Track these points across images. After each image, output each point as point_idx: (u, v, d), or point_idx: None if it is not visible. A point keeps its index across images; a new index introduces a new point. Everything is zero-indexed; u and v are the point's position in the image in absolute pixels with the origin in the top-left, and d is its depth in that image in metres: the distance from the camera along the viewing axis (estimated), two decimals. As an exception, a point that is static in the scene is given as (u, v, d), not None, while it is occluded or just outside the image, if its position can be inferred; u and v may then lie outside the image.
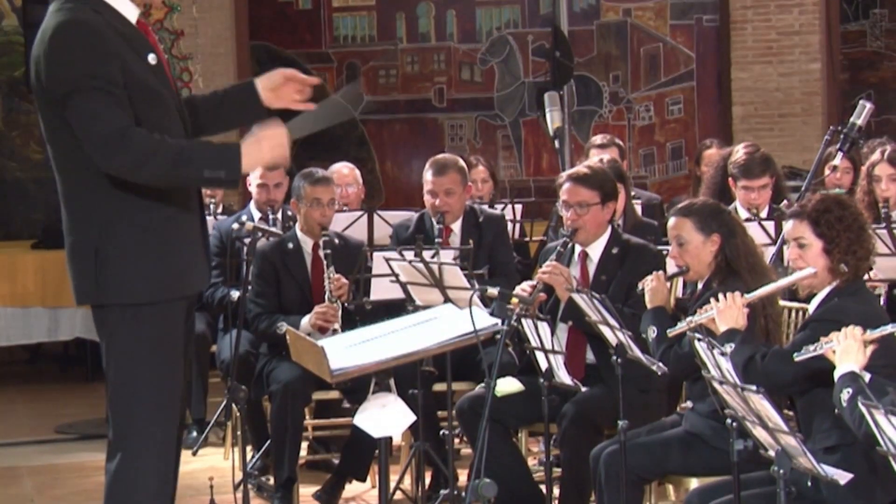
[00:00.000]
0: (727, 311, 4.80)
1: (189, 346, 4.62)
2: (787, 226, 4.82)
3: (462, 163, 7.11)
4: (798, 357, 4.38)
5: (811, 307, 4.78)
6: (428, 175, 6.96)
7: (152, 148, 4.26)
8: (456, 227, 6.99)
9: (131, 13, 4.43)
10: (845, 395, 4.11)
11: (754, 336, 4.88)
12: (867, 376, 4.16)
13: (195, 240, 4.53)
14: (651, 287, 5.30)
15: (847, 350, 4.20)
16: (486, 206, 7.47)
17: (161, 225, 4.40)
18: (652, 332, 5.20)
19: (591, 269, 6.04)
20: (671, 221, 5.37)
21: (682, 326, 4.99)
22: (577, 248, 6.07)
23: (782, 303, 5.32)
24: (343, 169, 8.34)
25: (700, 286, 5.33)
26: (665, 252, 6.14)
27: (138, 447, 4.41)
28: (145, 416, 4.41)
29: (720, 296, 4.85)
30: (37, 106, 4.45)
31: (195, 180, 4.42)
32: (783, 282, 4.90)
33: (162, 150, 4.27)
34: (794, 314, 5.40)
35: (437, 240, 6.81)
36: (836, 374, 4.17)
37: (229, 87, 4.76)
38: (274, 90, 4.61)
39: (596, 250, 6.05)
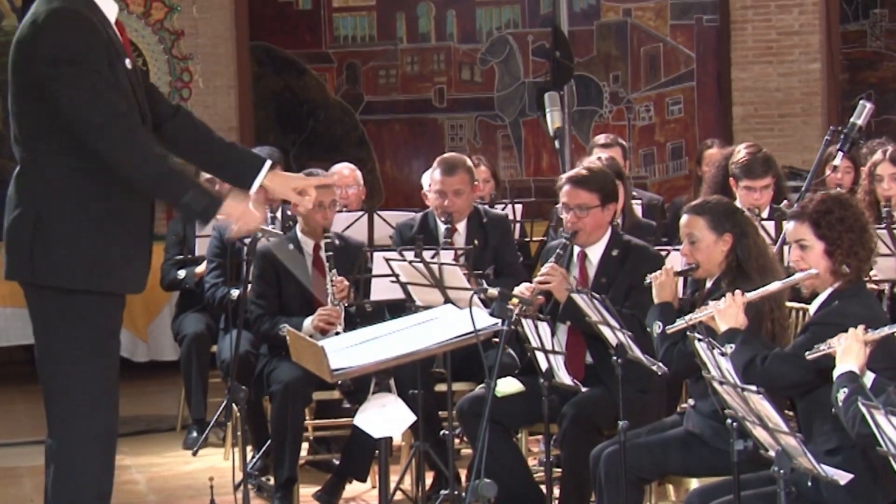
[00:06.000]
0: (727, 311, 4.79)
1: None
2: (788, 227, 4.79)
3: (470, 162, 7.11)
4: (810, 355, 4.38)
5: (812, 308, 4.77)
6: (436, 174, 6.93)
7: (153, 149, 4.28)
8: (461, 227, 6.98)
9: (111, 12, 4.44)
10: (841, 395, 4.10)
11: (759, 338, 4.87)
12: (871, 376, 4.16)
13: (139, 240, 4.48)
14: (659, 282, 5.28)
15: (847, 350, 4.19)
16: (489, 207, 7.47)
17: (106, 214, 4.36)
18: (657, 328, 5.18)
19: (591, 271, 6.02)
20: (684, 219, 5.35)
21: (680, 324, 4.98)
22: (577, 249, 6.06)
23: (788, 304, 5.30)
24: (344, 170, 8.33)
25: (709, 284, 5.31)
26: (666, 252, 6.15)
27: (78, 449, 4.33)
28: (84, 416, 4.34)
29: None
30: (11, 82, 4.37)
31: (173, 196, 4.40)
32: (784, 282, 4.88)
33: (161, 156, 4.30)
34: (798, 315, 5.39)
35: (444, 239, 6.80)
36: (836, 374, 4.17)
37: (241, 152, 4.72)
38: (288, 180, 4.60)
39: (596, 252, 6.03)
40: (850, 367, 4.15)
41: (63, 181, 4.34)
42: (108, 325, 4.43)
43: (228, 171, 4.68)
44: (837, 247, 4.63)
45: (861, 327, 4.24)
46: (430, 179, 7.02)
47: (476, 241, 6.86)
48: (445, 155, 7.17)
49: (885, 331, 4.24)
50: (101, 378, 4.39)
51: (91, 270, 4.34)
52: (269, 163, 4.59)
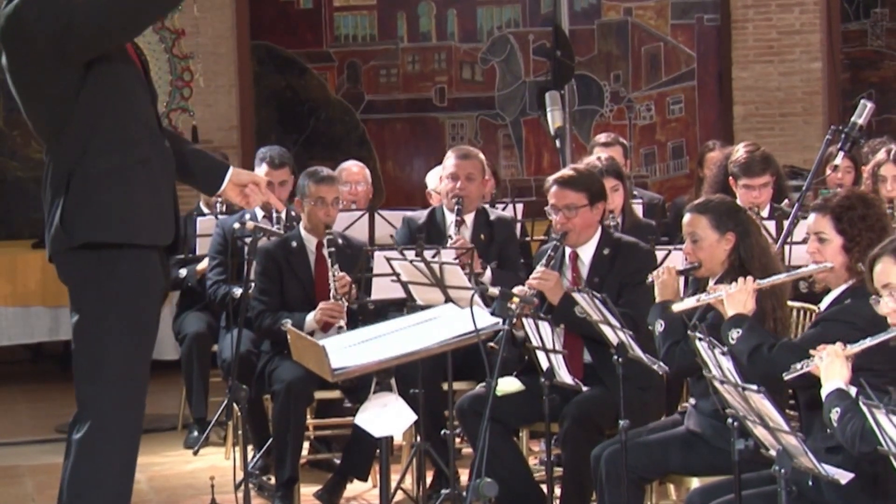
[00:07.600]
0: (737, 295, 4.79)
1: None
2: (809, 219, 4.80)
3: (483, 156, 7.14)
4: (787, 376, 4.37)
5: (823, 303, 4.76)
6: (450, 160, 6.98)
7: None
8: (469, 220, 7.01)
9: None
10: (835, 414, 4.10)
11: (763, 326, 4.86)
12: (853, 391, 4.14)
13: (164, 192, 4.49)
14: (661, 280, 5.28)
15: (830, 367, 4.18)
16: (496, 208, 7.49)
17: (128, 168, 4.36)
18: (659, 327, 5.18)
19: (584, 271, 6.01)
20: (686, 217, 5.35)
21: (689, 303, 4.98)
22: (568, 250, 6.05)
23: (790, 303, 5.30)
24: (353, 167, 8.36)
25: (711, 283, 5.31)
26: (667, 252, 6.15)
27: (103, 443, 4.34)
28: (115, 402, 4.35)
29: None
30: (13, 66, 4.35)
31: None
32: (798, 272, 4.89)
33: None
34: (800, 314, 5.38)
35: (452, 230, 6.80)
36: (823, 393, 4.16)
37: (205, 157, 4.79)
38: (239, 185, 4.66)
39: (587, 252, 6.02)
40: (837, 385, 4.14)
41: (84, 145, 4.32)
42: (141, 283, 4.38)
43: (198, 177, 4.74)
44: (856, 244, 4.64)
45: (839, 343, 4.23)
46: (443, 166, 7.07)
47: (482, 236, 6.89)
48: (459, 146, 7.24)
49: (866, 343, 4.21)
50: (134, 356, 4.37)
51: (120, 223, 4.33)
52: (231, 168, 4.67)
